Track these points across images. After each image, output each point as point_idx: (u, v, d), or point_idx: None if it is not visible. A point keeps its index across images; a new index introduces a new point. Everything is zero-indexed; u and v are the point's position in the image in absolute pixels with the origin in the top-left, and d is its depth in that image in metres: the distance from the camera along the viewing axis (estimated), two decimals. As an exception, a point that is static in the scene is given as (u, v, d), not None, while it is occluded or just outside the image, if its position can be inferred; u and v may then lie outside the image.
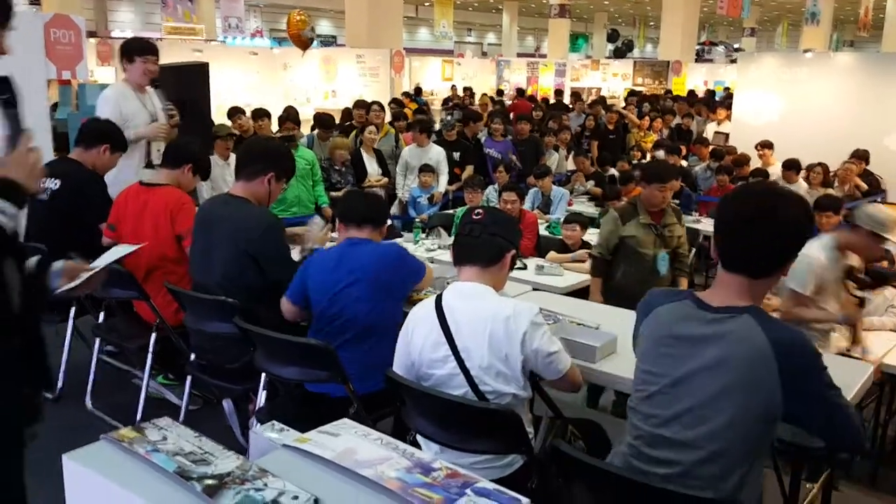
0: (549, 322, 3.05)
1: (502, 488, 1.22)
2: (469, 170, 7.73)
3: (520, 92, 17.28)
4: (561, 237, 5.44)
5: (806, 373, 1.81)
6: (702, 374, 1.84)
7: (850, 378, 2.52)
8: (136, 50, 4.68)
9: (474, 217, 2.50)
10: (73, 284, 2.18)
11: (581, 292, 4.86)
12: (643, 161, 9.20)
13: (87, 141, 4.10)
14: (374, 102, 8.55)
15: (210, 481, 1.22)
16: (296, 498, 1.18)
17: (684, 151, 9.39)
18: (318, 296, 2.95)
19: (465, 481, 1.23)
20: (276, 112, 8.21)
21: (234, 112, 8.00)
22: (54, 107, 7.11)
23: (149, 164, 4.66)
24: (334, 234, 3.96)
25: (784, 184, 7.53)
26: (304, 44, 11.34)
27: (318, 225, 4.04)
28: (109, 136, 4.13)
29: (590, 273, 4.42)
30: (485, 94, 15.92)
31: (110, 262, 2.47)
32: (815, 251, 3.54)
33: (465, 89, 17.28)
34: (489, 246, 2.44)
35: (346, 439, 1.32)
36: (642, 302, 2.08)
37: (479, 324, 2.32)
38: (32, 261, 1.97)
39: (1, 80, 1.82)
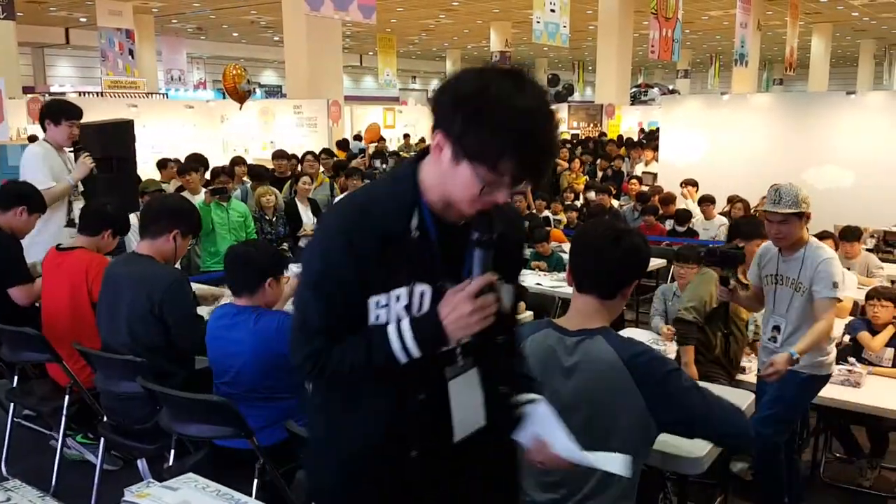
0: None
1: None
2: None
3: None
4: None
5: (662, 379, 2.00)
6: (574, 400, 2.00)
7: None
8: (64, 113, 4.74)
9: None
10: None
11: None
12: (576, 203, 9.45)
13: (4, 203, 4.03)
14: (307, 153, 8.67)
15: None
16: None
17: (614, 191, 9.67)
18: (211, 350, 2.98)
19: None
20: (214, 163, 8.26)
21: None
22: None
23: (70, 223, 4.64)
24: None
25: (703, 219, 7.84)
26: (241, 97, 11.41)
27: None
28: (26, 198, 4.07)
29: (678, 341, 4.05)
30: (421, 143, 16.15)
31: None
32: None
33: (405, 136, 17.54)
34: None
35: (184, 493, 1.37)
36: None
37: None
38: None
39: (484, 216, 1.53)
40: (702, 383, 2.27)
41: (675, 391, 2.01)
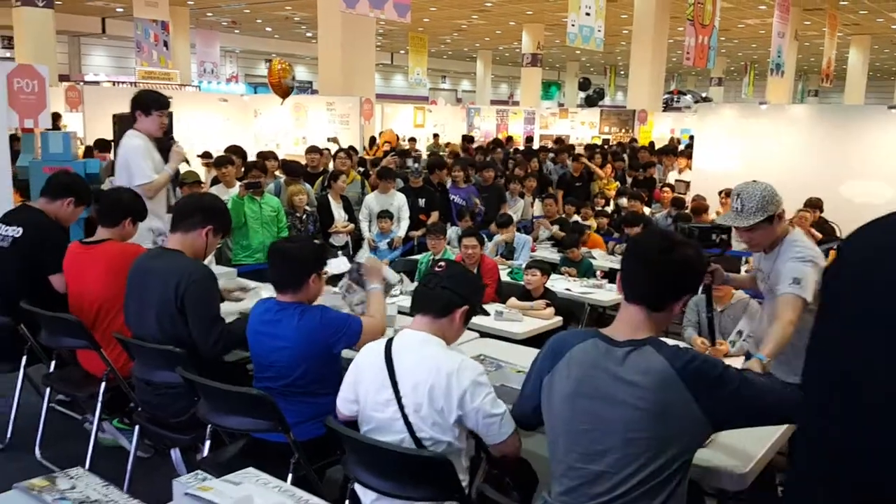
0: (491, 369, 3.12)
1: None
2: (434, 216, 7.83)
3: (467, 139, 17.49)
4: (523, 283, 5.51)
5: (713, 382, 1.97)
6: (621, 410, 1.97)
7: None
8: (154, 104, 4.85)
9: (436, 269, 2.60)
10: None
11: (538, 339, 4.94)
12: (606, 208, 9.38)
13: (53, 193, 4.13)
14: (339, 150, 8.70)
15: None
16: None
17: (646, 198, 9.57)
18: (253, 346, 2.98)
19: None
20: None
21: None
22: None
23: (171, 209, 4.67)
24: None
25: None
26: (284, 92, 11.40)
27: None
28: (74, 190, 4.16)
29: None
30: (451, 143, 16.13)
31: None
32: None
33: (435, 136, 17.52)
34: (437, 298, 2.51)
35: (246, 487, 1.37)
36: (554, 342, 2.19)
37: (421, 374, 2.38)
38: None
39: None
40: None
41: (730, 393, 1.99)
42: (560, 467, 2.09)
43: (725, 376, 2.00)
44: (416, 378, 2.38)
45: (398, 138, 15.49)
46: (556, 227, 8.02)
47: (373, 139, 14.60)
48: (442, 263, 2.62)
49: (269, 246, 3.10)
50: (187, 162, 4.99)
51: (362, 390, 2.50)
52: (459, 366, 2.36)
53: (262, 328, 2.92)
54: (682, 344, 3.93)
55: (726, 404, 1.98)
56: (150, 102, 4.84)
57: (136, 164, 4.70)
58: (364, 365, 2.54)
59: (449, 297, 2.51)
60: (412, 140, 15.44)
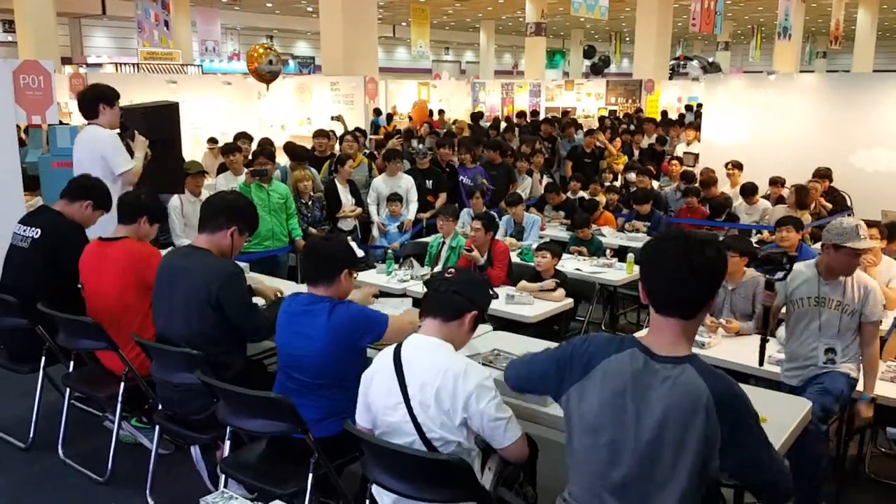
0: (506, 363, 3.13)
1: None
2: (442, 197, 7.81)
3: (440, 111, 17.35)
4: (533, 264, 5.51)
5: (744, 420, 1.94)
6: (652, 426, 1.93)
7: (788, 413, 2.62)
8: (115, 95, 4.94)
9: (446, 275, 2.68)
10: None
11: (550, 321, 4.96)
12: (615, 184, 9.33)
13: (72, 195, 4.18)
14: (346, 132, 8.65)
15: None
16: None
17: (654, 172, 9.52)
18: (280, 335, 3.01)
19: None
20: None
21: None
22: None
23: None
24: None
25: (745, 205, 7.68)
26: (265, 79, 11.13)
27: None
28: (92, 194, 4.21)
29: None
30: (458, 120, 16.01)
31: None
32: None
33: (440, 112, 17.37)
34: (448, 302, 2.57)
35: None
36: (582, 353, 2.09)
37: (429, 375, 2.42)
38: None
39: None
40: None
41: (753, 436, 1.97)
42: (582, 475, 2.07)
43: (757, 427, 1.97)
44: (423, 379, 2.43)
45: (431, 113, 15.31)
46: (562, 214, 7.95)
47: (389, 116, 14.38)
48: (452, 270, 2.70)
49: (306, 243, 3.15)
50: (147, 153, 5.05)
51: (372, 395, 2.54)
52: (465, 369, 2.41)
53: (291, 319, 2.97)
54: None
55: (746, 444, 1.95)
56: (111, 94, 4.91)
57: (115, 154, 4.78)
58: (373, 372, 2.58)
59: (460, 302, 2.56)
60: (441, 112, 15.32)
